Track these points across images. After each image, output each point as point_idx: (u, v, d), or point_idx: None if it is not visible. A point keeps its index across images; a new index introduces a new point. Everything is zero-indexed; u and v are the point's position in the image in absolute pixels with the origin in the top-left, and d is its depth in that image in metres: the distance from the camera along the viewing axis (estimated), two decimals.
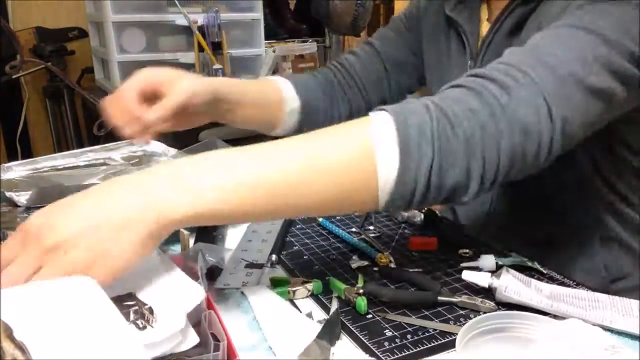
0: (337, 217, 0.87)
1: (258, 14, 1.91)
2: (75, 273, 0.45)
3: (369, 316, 0.59)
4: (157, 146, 1.08)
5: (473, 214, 0.89)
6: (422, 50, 0.95)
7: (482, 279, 0.61)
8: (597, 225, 0.78)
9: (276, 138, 0.57)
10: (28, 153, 2.34)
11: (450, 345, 0.54)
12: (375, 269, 0.70)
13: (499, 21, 0.76)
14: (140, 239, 0.46)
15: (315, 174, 0.51)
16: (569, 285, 0.65)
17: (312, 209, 0.55)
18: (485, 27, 0.81)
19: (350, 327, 0.57)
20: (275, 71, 1.99)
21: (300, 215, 0.66)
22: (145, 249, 0.47)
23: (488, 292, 0.61)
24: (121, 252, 0.46)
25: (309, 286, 0.63)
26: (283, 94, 0.85)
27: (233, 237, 0.80)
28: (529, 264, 0.69)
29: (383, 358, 0.52)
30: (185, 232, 0.70)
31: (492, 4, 0.81)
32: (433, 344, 0.54)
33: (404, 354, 0.52)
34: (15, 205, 0.79)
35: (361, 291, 0.61)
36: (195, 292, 0.52)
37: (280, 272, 0.70)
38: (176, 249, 0.72)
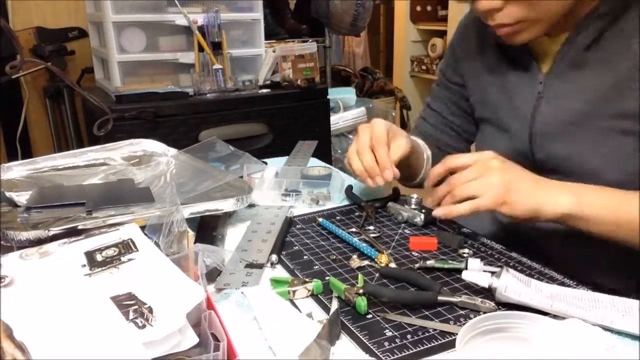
0: (337, 217, 0.87)
1: (258, 14, 1.91)
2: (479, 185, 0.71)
3: (369, 316, 0.59)
4: (157, 146, 1.08)
5: None
6: (469, 91, 0.99)
7: (482, 279, 0.61)
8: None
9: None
10: (28, 153, 2.34)
11: (450, 345, 0.54)
12: (375, 268, 0.70)
13: (573, 35, 0.78)
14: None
15: None
16: (569, 285, 0.65)
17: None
18: (547, 41, 0.82)
19: (350, 327, 0.57)
20: (275, 71, 1.99)
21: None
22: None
23: (488, 292, 0.61)
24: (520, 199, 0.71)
25: (309, 286, 0.63)
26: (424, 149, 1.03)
27: (233, 238, 0.80)
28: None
29: (383, 358, 0.52)
30: (190, 232, 0.70)
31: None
32: (433, 344, 0.54)
33: (404, 354, 0.52)
34: (15, 205, 0.79)
35: (361, 291, 0.61)
36: (195, 292, 0.52)
37: (280, 272, 0.70)
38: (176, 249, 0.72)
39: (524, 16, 0.75)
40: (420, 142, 1.03)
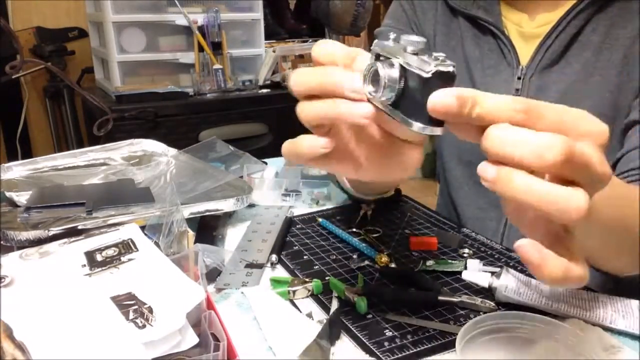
0: (337, 217, 0.87)
1: (258, 14, 1.91)
2: None
3: (369, 316, 0.59)
4: (157, 146, 1.08)
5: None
6: None
7: (482, 279, 0.61)
8: None
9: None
10: (28, 153, 2.35)
11: (450, 345, 0.54)
12: (375, 268, 0.70)
13: (562, 23, 0.74)
14: None
15: None
16: None
17: None
18: (526, 23, 0.78)
19: (350, 327, 0.57)
20: (275, 71, 1.99)
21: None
22: None
23: (488, 292, 0.61)
24: None
25: (309, 286, 0.63)
26: None
27: (233, 238, 0.80)
28: None
29: (383, 358, 0.52)
30: (190, 232, 0.70)
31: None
32: (433, 344, 0.54)
33: (404, 354, 0.52)
34: (15, 205, 0.79)
35: (361, 291, 0.61)
36: (195, 292, 0.52)
37: (280, 272, 0.70)
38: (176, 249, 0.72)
39: None
40: None
